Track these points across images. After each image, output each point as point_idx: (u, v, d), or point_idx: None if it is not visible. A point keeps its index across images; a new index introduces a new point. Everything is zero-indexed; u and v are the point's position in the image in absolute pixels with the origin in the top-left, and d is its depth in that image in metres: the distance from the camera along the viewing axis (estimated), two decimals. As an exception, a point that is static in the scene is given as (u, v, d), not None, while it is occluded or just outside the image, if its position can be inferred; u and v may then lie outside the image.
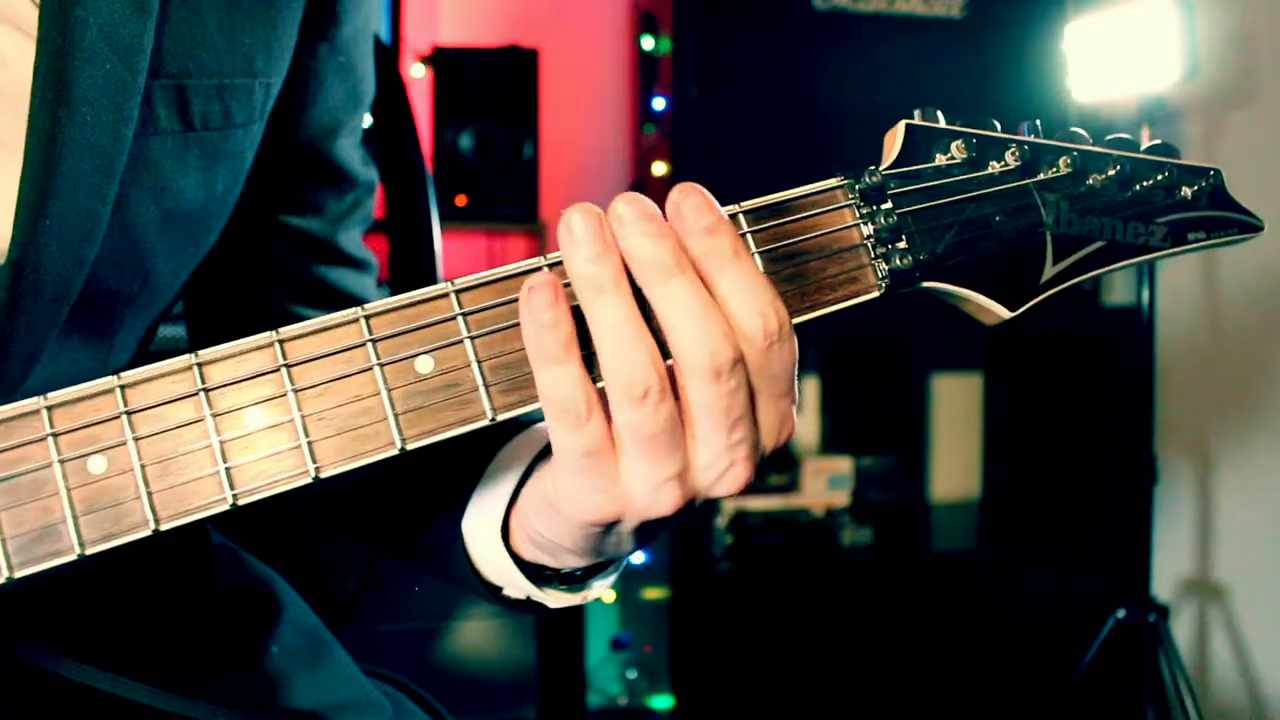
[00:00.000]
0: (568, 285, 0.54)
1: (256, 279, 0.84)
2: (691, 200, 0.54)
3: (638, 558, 2.73)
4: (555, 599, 0.68)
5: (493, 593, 0.69)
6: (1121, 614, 2.27)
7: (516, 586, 0.68)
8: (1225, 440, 2.78)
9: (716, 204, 0.55)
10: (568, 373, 0.53)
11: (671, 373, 0.55)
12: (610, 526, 0.57)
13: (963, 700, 2.76)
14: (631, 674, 2.72)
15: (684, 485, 0.55)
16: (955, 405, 3.04)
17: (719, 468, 0.55)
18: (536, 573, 0.67)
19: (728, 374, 0.53)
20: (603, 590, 0.68)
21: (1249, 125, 2.66)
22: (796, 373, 0.57)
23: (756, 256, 0.57)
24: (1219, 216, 0.65)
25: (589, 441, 0.54)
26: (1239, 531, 2.73)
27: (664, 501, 0.55)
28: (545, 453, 0.66)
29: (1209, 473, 2.78)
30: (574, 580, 0.68)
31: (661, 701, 2.71)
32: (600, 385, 0.54)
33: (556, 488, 0.57)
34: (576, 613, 2.38)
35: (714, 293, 0.54)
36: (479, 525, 0.67)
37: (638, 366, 0.52)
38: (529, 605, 0.69)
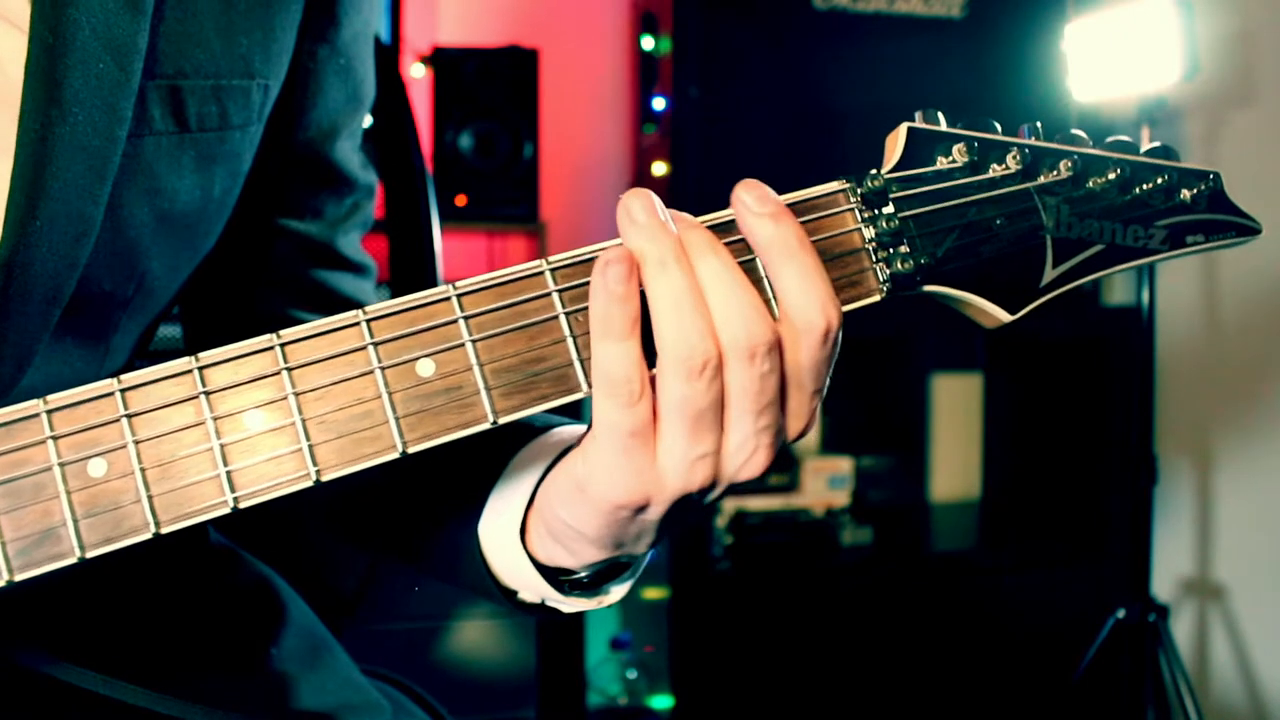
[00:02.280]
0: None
1: (254, 282, 0.84)
2: (755, 192, 0.57)
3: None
4: (571, 604, 0.67)
5: (508, 597, 0.69)
6: (1121, 614, 2.27)
7: (532, 589, 0.67)
8: (1225, 440, 2.78)
9: (775, 195, 0.58)
10: (629, 349, 0.54)
11: None
12: (637, 511, 0.57)
13: (963, 700, 2.76)
14: (631, 674, 2.72)
15: (714, 464, 0.56)
16: (955, 405, 3.04)
17: (746, 451, 0.56)
18: (553, 578, 0.66)
19: (762, 357, 0.55)
20: (620, 594, 0.68)
21: (1249, 125, 2.66)
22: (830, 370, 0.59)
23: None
24: (1217, 220, 0.65)
25: (637, 421, 0.55)
26: (1239, 531, 2.73)
27: (696, 478, 0.56)
28: (562, 456, 0.66)
29: (1209, 473, 2.78)
30: (589, 586, 0.68)
31: (661, 701, 2.71)
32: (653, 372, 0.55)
33: (589, 467, 0.57)
34: (577, 613, 2.37)
35: (775, 282, 0.57)
36: (496, 528, 0.67)
37: (699, 340, 0.54)
38: (543, 609, 0.69)
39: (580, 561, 0.64)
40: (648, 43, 2.87)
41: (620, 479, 0.56)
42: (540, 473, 0.65)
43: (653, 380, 0.55)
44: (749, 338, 0.54)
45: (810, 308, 0.56)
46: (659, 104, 2.80)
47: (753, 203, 0.57)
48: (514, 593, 0.69)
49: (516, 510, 0.65)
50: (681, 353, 0.54)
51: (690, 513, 0.59)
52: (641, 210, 0.55)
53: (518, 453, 0.69)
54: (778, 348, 0.56)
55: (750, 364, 0.55)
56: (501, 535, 0.66)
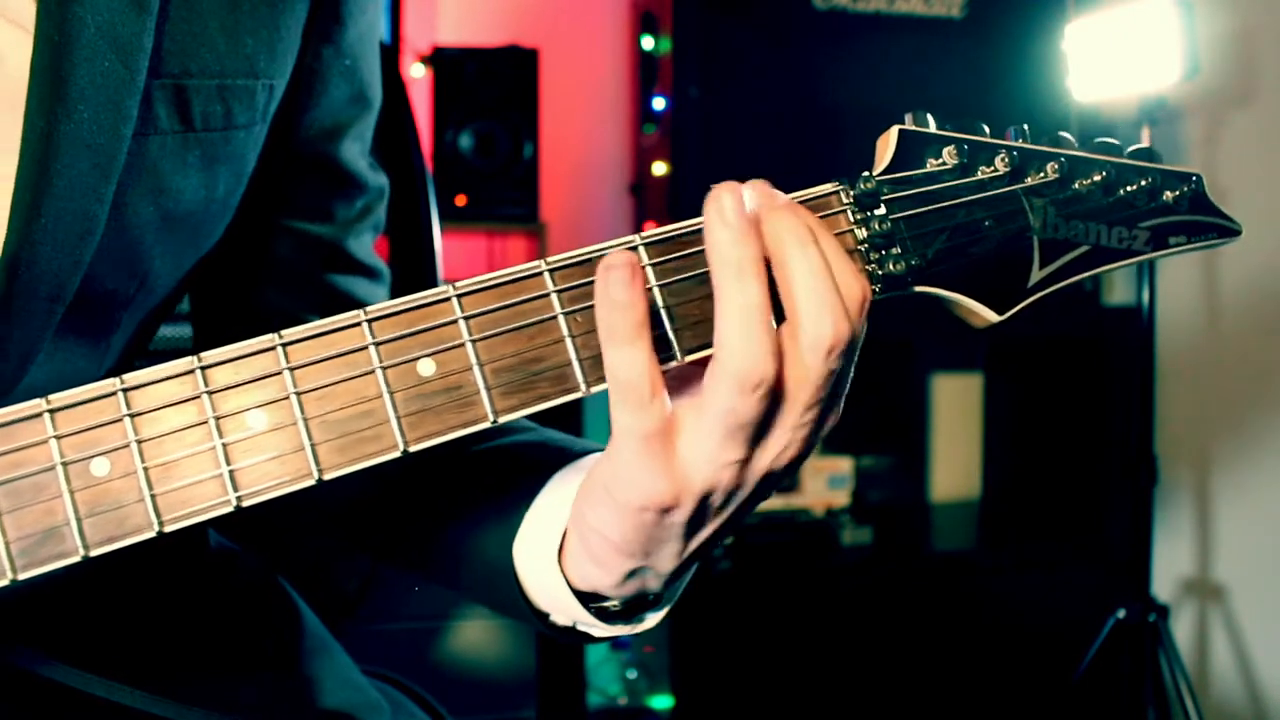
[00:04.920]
0: (645, 265, 0.55)
1: (266, 284, 0.83)
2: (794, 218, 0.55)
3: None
4: (604, 629, 0.67)
5: (540, 619, 0.68)
6: (1121, 614, 2.28)
7: (565, 612, 0.66)
8: (1225, 440, 2.78)
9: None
10: (638, 353, 0.53)
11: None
12: (663, 513, 0.56)
13: (963, 700, 2.76)
14: (631, 674, 2.72)
15: (746, 467, 0.56)
16: (955, 405, 3.04)
17: (778, 446, 0.56)
18: (587, 605, 0.66)
19: (840, 352, 0.54)
20: (655, 621, 0.67)
21: (1249, 125, 2.66)
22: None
23: None
24: (1199, 221, 0.66)
25: (650, 423, 0.54)
26: (1239, 531, 2.73)
27: (724, 477, 0.56)
28: None
29: (1209, 473, 2.78)
30: (623, 614, 0.67)
31: (661, 701, 2.71)
32: (667, 367, 0.55)
33: (613, 468, 0.57)
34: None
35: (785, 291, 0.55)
36: (531, 551, 0.66)
37: (761, 358, 0.53)
38: (574, 633, 0.68)
39: (610, 576, 0.63)
40: (648, 43, 2.87)
41: (645, 480, 0.55)
42: (572, 498, 0.64)
43: (668, 376, 0.55)
44: (835, 332, 0.54)
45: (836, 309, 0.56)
46: (659, 104, 2.80)
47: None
48: (546, 615, 0.68)
49: (554, 533, 0.65)
50: (742, 369, 0.53)
51: (720, 530, 0.59)
52: (732, 210, 0.53)
53: (553, 476, 0.68)
54: (854, 344, 0.55)
55: (827, 359, 0.54)
56: (537, 557, 0.66)
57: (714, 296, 0.54)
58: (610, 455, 0.57)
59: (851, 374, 0.57)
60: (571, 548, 0.64)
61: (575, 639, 0.69)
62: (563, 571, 0.65)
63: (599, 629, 0.67)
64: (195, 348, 0.89)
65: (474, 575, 0.72)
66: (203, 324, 0.88)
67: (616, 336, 0.53)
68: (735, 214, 0.53)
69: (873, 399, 3.01)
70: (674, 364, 0.56)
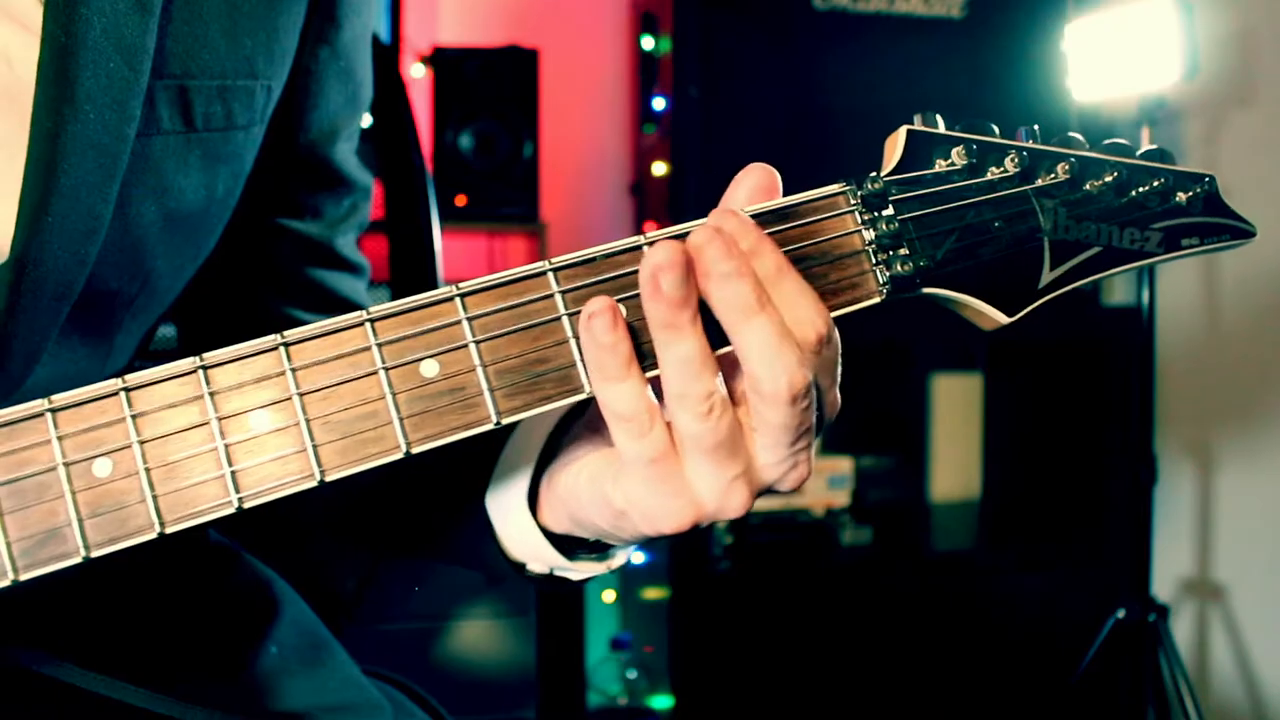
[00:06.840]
0: (623, 299, 0.55)
1: (253, 281, 0.84)
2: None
3: (638, 558, 2.73)
4: (582, 569, 0.68)
5: (516, 570, 0.70)
6: (1121, 614, 2.28)
7: (541, 560, 0.68)
8: (1225, 440, 2.78)
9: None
10: (630, 388, 0.54)
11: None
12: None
13: (963, 700, 2.76)
14: (631, 674, 2.72)
15: (750, 482, 0.57)
16: (955, 405, 3.04)
17: (784, 467, 0.57)
18: (565, 545, 0.67)
19: (802, 396, 0.55)
20: (625, 557, 0.69)
21: (1249, 125, 2.66)
22: (840, 361, 0.59)
23: None
24: (1213, 222, 0.65)
25: (654, 448, 0.55)
26: (1239, 531, 2.73)
27: (735, 501, 0.56)
28: (558, 430, 0.67)
29: (1209, 473, 2.78)
30: (600, 549, 0.68)
31: (661, 701, 2.71)
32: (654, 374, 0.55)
33: (627, 497, 0.58)
34: (576, 613, 2.38)
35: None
36: (503, 502, 0.67)
37: (706, 390, 0.54)
38: (550, 580, 0.70)
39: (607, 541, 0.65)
40: (648, 43, 2.87)
41: (661, 506, 0.57)
42: (541, 445, 0.66)
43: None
44: (790, 386, 0.54)
45: (804, 323, 0.56)
46: (659, 104, 2.80)
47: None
48: (522, 565, 0.69)
49: (521, 484, 0.66)
50: (689, 399, 0.54)
51: None
52: (670, 283, 0.53)
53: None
54: (815, 384, 0.56)
55: (792, 406, 0.55)
56: (510, 509, 0.67)
57: (655, 345, 0.55)
58: (621, 482, 0.58)
59: (825, 383, 0.57)
60: (556, 514, 0.65)
61: (549, 585, 0.71)
62: (539, 521, 0.66)
63: (575, 571, 0.68)
64: (180, 344, 0.89)
65: (441, 538, 0.74)
66: (185, 319, 0.88)
67: (608, 375, 0.54)
68: (672, 285, 0.53)
69: (873, 399, 3.01)
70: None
